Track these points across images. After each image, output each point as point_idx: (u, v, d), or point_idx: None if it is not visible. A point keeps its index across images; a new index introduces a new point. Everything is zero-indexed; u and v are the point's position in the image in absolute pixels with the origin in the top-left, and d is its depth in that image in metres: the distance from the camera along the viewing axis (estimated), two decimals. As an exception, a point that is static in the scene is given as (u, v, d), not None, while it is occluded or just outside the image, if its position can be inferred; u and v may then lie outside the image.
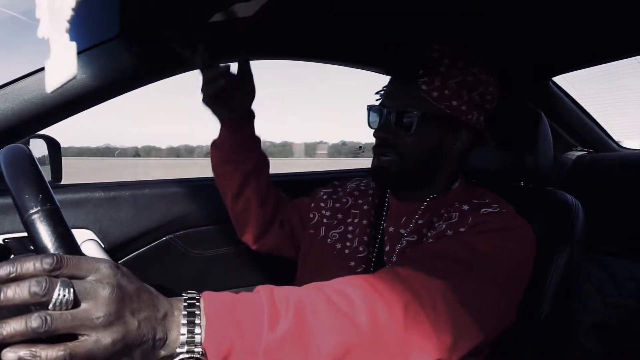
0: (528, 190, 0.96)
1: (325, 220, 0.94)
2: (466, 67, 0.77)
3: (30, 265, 0.37)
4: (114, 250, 1.11)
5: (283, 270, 1.09)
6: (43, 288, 0.36)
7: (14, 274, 0.37)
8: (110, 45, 0.85)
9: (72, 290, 0.37)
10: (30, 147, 0.94)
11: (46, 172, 1.05)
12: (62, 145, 1.10)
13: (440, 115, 0.77)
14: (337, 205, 0.95)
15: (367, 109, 0.85)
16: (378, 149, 0.82)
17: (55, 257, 0.38)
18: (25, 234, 0.89)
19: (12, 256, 0.95)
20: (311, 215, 0.97)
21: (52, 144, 1.06)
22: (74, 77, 0.34)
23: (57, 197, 0.48)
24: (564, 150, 1.62)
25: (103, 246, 1.08)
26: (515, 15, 0.91)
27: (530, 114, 0.93)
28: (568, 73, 1.34)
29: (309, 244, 0.94)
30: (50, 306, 0.36)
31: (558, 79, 1.41)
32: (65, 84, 0.34)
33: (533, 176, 0.93)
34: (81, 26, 0.86)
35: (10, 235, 0.98)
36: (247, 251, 1.30)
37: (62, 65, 0.33)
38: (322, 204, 0.96)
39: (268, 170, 0.99)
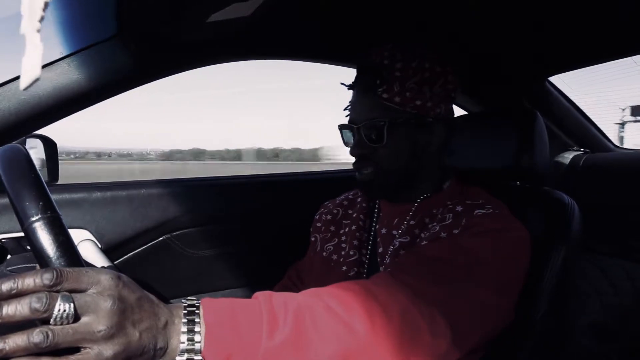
0: (524, 190, 0.97)
1: (320, 236, 0.96)
2: (420, 64, 0.76)
3: (30, 281, 0.37)
4: (110, 250, 1.11)
5: (278, 270, 1.09)
6: (44, 304, 0.36)
7: (14, 291, 0.37)
8: (107, 45, 0.85)
9: (72, 304, 0.37)
10: (27, 147, 0.93)
11: (43, 172, 1.05)
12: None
13: (408, 119, 0.77)
14: (329, 217, 0.97)
15: (339, 128, 0.86)
16: (356, 165, 0.83)
17: (55, 272, 0.37)
18: (21, 234, 0.89)
19: (9, 257, 0.95)
20: (312, 239, 0.99)
21: (48, 143, 1.06)
22: (38, 79, 0.34)
23: (54, 197, 0.48)
24: (560, 150, 1.62)
25: (100, 246, 1.08)
26: (512, 15, 0.92)
27: (526, 113, 0.93)
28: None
29: (312, 264, 0.96)
30: (52, 321, 0.36)
31: (555, 79, 1.42)
32: (32, 83, 0.34)
33: (529, 176, 0.93)
34: (78, 26, 0.86)
35: (7, 235, 0.98)
36: (243, 251, 1.31)
37: (30, 65, 0.33)
38: (319, 224, 0.98)
39: None
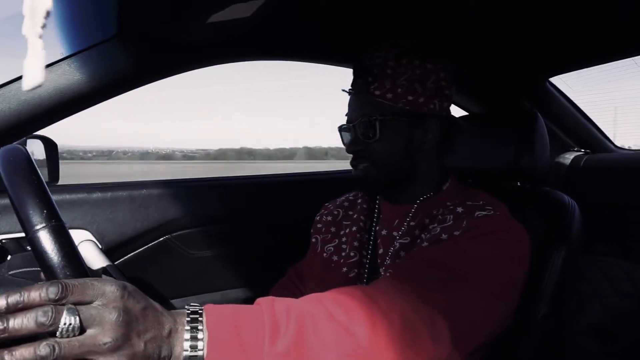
0: (524, 191, 0.97)
1: (321, 237, 0.96)
2: (410, 62, 0.79)
3: (36, 294, 0.37)
4: (111, 250, 1.11)
5: (278, 270, 1.09)
6: (49, 318, 0.36)
7: (20, 304, 0.37)
8: (107, 45, 0.85)
9: (78, 317, 0.37)
10: (27, 147, 0.94)
11: (43, 173, 1.05)
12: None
13: (400, 114, 0.79)
14: (330, 218, 0.97)
15: (338, 130, 0.89)
16: (352, 162, 0.85)
17: (60, 286, 0.38)
18: (22, 235, 0.90)
19: (9, 257, 0.95)
20: (313, 240, 0.99)
21: (49, 144, 1.06)
22: (39, 86, 0.34)
23: (55, 198, 0.48)
24: (561, 151, 1.62)
25: (100, 247, 1.08)
26: (513, 15, 0.92)
27: (526, 113, 0.93)
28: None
29: (312, 264, 0.96)
30: (58, 334, 0.37)
31: (555, 80, 1.42)
32: (35, 87, 0.34)
33: (529, 176, 0.93)
34: (79, 26, 0.86)
35: (7, 235, 0.98)
36: (243, 251, 1.31)
37: (33, 69, 0.34)
38: (319, 225, 0.99)
39: None
